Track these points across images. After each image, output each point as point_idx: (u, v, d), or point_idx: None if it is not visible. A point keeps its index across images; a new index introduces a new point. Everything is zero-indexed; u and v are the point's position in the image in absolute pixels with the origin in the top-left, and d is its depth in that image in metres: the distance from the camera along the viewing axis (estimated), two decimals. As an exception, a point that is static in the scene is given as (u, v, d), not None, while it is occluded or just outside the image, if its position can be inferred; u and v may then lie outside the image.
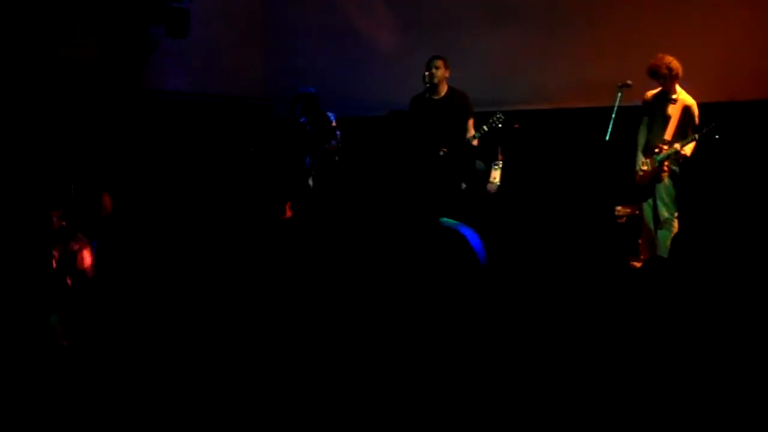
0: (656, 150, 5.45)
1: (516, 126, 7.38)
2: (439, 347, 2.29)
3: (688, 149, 5.34)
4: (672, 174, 5.45)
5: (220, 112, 8.40)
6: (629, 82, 5.50)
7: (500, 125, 5.76)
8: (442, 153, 5.78)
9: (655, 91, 5.55)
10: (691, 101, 5.42)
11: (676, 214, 5.46)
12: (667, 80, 5.39)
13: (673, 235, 5.36)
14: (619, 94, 5.46)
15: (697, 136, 5.28)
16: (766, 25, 5.97)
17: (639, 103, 5.66)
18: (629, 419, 2.26)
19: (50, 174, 5.01)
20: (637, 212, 5.81)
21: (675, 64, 5.35)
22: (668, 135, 5.41)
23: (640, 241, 5.71)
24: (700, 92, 5.68)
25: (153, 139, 7.38)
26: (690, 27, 6.24)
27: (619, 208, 5.98)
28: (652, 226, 5.54)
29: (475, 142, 5.80)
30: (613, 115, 5.39)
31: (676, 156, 5.38)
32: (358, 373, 2.27)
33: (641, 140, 5.61)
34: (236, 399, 2.41)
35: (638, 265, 5.46)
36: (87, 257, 3.71)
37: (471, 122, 5.88)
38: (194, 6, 7.49)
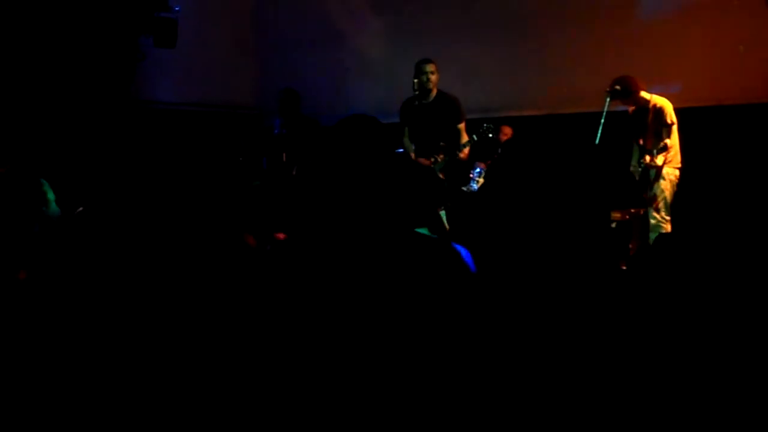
0: (641, 160, 5.54)
1: (509, 132, 7.40)
2: (431, 353, 2.29)
3: (659, 160, 5.40)
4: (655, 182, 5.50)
5: (210, 122, 8.39)
6: (618, 87, 5.54)
7: (491, 135, 5.72)
8: (437, 159, 5.61)
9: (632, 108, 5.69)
10: (662, 102, 5.47)
11: (666, 218, 5.49)
12: (625, 98, 5.52)
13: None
14: (608, 100, 5.50)
15: (661, 145, 5.38)
16: (753, 29, 6.01)
17: (627, 108, 5.72)
18: (623, 420, 2.27)
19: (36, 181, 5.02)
20: (627, 217, 5.84)
21: (623, 82, 5.47)
22: (647, 143, 5.51)
23: (630, 245, 5.75)
24: (687, 97, 5.72)
25: (142, 149, 7.36)
26: (677, 32, 6.28)
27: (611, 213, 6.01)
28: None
29: (465, 151, 5.67)
30: (602, 120, 5.43)
31: (649, 167, 5.46)
32: (352, 376, 2.27)
33: (635, 155, 5.71)
34: (225, 398, 2.40)
35: (625, 267, 5.52)
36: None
37: (463, 126, 5.62)
38: (183, 16, 7.49)
